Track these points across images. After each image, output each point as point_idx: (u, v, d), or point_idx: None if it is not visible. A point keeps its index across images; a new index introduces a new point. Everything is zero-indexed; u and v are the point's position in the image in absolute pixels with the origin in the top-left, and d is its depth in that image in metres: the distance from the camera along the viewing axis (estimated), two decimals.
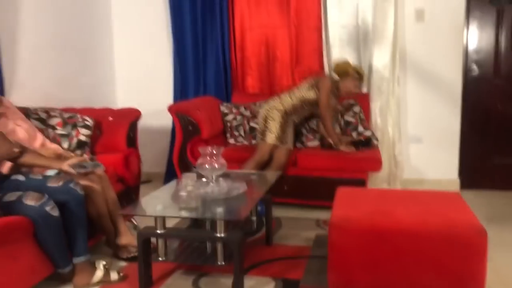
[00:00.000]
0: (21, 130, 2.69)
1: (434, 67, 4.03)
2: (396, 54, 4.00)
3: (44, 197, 2.17)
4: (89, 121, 3.13)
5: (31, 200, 2.13)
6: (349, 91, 3.61)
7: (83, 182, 2.48)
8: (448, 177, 4.11)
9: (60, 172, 2.42)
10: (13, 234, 2.07)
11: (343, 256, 2.10)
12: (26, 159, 2.29)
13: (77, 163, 2.36)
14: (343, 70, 3.59)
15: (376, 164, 3.50)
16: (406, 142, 4.15)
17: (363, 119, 3.83)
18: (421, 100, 4.09)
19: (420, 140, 4.13)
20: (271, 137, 3.48)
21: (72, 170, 2.32)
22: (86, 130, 3.09)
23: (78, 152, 3.00)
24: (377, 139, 3.76)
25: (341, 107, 3.80)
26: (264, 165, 3.47)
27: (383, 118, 4.07)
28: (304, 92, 3.57)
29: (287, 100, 3.57)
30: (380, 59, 4.02)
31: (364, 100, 4.00)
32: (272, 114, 3.52)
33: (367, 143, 3.69)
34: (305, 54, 4.21)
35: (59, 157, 2.52)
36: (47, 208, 2.15)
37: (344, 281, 2.12)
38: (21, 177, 2.37)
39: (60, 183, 2.32)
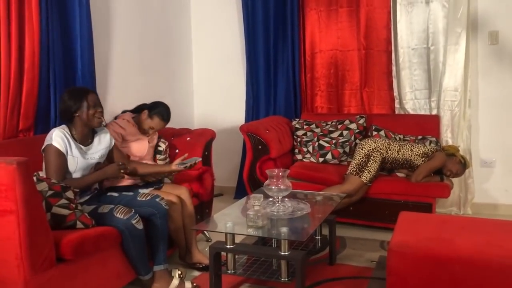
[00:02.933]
0: (145, 146, 3.20)
1: (507, 89, 3.94)
2: (468, 77, 3.96)
3: (131, 212, 2.47)
4: (162, 147, 3.40)
5: (120, 214, 2.43)
6: (450, 171, 3.57)
7: (166, 197, 2.79)
8: None
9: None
10: (105, 242, 2.38)
11: (400, 280, 2.18)
12: (140, 170, 2.88)
13: (181, 162, 2.85)
14: (452, 151, 3.66)
15: (444, 190, 3.49)
16: (478, 166, 4.07)
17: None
18: (494, 123, 4.01)
19: (493, 164, 4.04)
20: (367, 177, 3.51)
21: (179, 168, 2.84)
22: (160, 155, 3.37)
23: None
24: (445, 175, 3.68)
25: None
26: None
27: (454, 141, 4.03)
28: (414, 156, 3.59)
29: (393, 152, 3.60)
30: (451, 81, 4.00)
31: (434, 123, 3.99)
32: (375, 155, 3.55)
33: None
34: (374, 76, 4.29)
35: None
36: (133, 221, 2.45)
37: None
38: (115, 193, 2.76)
39: (148, 198, 2.65)
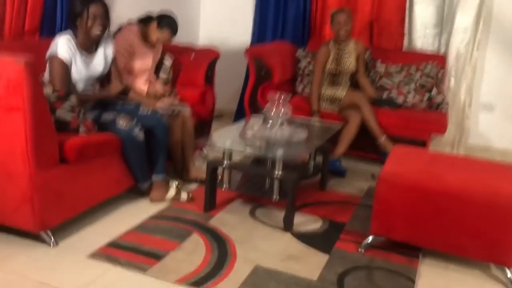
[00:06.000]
0: (150, 61, 3.18)
1: None
2: (481, 18, 3.88)
3: (133, 122, 2.53)
4: (167, 63, 3.37)
5: (122, 123, 2.50)
6: (336, 32, 3.64)
7: None
8: None
9: None
10: (107, 149, 2.46)
11: (386, 208, 2.29)
12: (131, 94, 2.81)
13: (168, 105, 2.74)
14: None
15: (440, 127, 3.54)
16: (477, 108, 4.11)
17: (439, 82, 3.82)
18: (499, 68, 3.99)
19: (491, 108, 4.08)
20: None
21: (162, 109, 2.75)
22: (165, 71, 3.35)
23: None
24: (447, 105, 3.73)
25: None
26: None
27: (457, 82, 4.03)
28: None
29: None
30: (462, 20, 3.93)
31: (441, 62, 3.97)
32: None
33: (391, 102, 3.71)
34: (386, 9, 4.18)
35: (156, 97, 3.02)
36: (135, 132, 2.52)
37: (384, 230, 2.33)
38: (119, 103, 2.77)
39: (150, 111, 2.70)
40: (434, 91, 3.76)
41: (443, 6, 4.01)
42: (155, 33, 3.09)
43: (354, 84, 3.82)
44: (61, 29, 2.94)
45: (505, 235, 2.11)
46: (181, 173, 3.09)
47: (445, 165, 2.46)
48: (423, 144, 3.52)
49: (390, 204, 2.29)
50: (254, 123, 2.69)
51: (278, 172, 2.49)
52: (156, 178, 2.74)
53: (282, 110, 2.76)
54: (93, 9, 2.47)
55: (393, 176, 2.30)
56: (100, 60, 2.67)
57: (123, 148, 2.55)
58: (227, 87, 4.75)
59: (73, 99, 2.38)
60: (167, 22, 3.09)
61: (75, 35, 2.53)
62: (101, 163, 2.46)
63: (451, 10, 3.98)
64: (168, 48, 3.51)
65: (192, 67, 3.54)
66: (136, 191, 2.77)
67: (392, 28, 4.18)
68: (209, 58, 3.58)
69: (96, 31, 2.50)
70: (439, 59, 3.97)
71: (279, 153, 2.49)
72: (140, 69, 3.14)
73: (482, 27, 3.91)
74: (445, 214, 2.19)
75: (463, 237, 2.18)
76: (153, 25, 3.09)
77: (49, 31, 2.93)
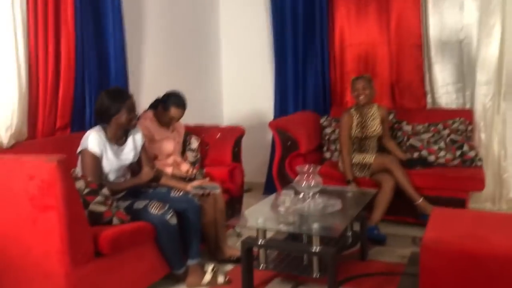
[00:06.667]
0: (172, 144, 3.27)
1: None
2: (503, 69, 3.86)
3: (165, 207, 2.53)
4: (194, 145, 3.47)
5: (154, 209, 2.50)
6: (356, 98, 3.64)
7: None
8: None
9: None
10: (140, 237, 2.45)
11: (434, 278, 2.15)
12: (162, 180, 2.84)
13: (198, 186, 2.79)
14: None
15: (478, 183, 3.42)
16: None
17: (469, 137, 3.76)
18: None
19: None
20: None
21: (193, 191, 2.77)
22: (192, 153, 3.45)
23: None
24: (481, 160, 3.65)
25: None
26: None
27: (488, 135, 3.94)
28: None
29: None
30: (484, 74, 3.90)
31: (468, 117, 3.91)
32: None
33: (423, 162, 3.65)
34: (405, 71, 4.21)
35: (185, 178, 3.10)
36: (167, 217, 2.51)
37: None
38: (149, 189, 2.81)
39: (181, 194, 2.71)
40: (466, 146, 3.68)
41: (462, 63, 4.03)
42: (165, 114, 3.18)
43: (382, 148, 3.78)
44: (91, 123, 3.05)
45: None
46: (215, 253, 3.03)
47: (490, 226, 2.34)
48: (462, 202, 3.39)
49: (437, 272, 2.16)
50: (286, 197, 2.65)
51: (316, 248, 2.40)
52: (191, 262, 2.69)
53: (313, 181, 2.73)
54: (130, 103, 2.64)
55: (437, 243, 2.18)
56: (130, 149, 2.74)
57: (156, 235, 2.53)
58: (254, 160, 4.76)
59: (105, 191, 2.41)
60: (172, 101, 3.17)
61: (105, 129, 2.63)
62: (135, 252, 2.44)
63: (470, 65, 3.99)
64: (194, 130, 3.59)
65: (219, 146, 3.58)
66: (172, 278, 2.71)
67: (413, 88, 4.20)
68: (234, 136, 3.63)
69: (134, 122, 2.69)
70: (466, 114, 3.92)
71: (315, 227, 2.41)
72: (163, 153, 3.20)
73: (506, 78, 3.87)
74: (498, 280, 2.04)
75: None
76: (160, 108, 3.20)
77: (79, 126, 3.06)
